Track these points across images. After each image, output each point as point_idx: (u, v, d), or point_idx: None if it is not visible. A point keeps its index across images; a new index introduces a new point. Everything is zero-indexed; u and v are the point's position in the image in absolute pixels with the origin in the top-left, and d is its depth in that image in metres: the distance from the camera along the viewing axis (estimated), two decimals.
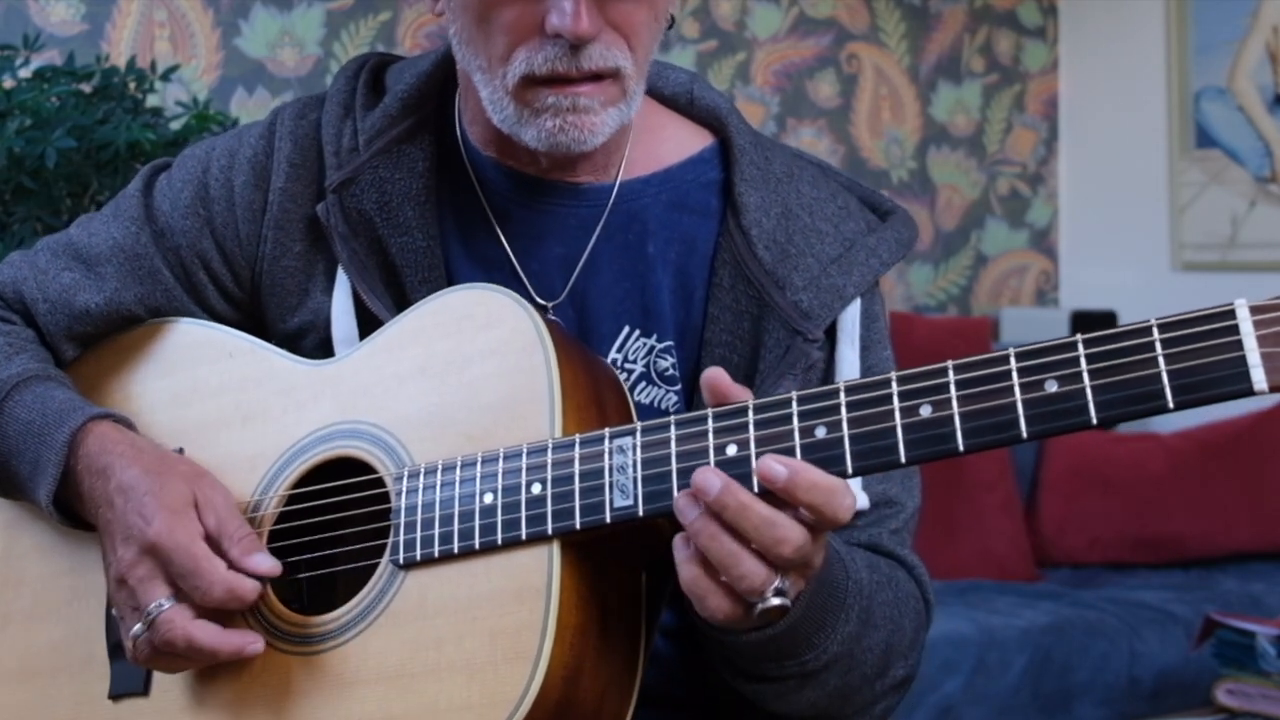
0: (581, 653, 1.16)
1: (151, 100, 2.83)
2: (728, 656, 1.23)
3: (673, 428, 1.15)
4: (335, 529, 1.28)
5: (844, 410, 1.11)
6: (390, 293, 1.36)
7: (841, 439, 1.10)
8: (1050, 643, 3.40)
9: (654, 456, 1.15)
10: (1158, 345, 1.03)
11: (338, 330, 1.36)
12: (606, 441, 1.17)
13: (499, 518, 1.19)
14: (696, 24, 4.32)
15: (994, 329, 4.57)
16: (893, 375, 1.10)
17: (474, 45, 1.31)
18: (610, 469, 1.16)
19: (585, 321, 1.37)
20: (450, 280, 1.37)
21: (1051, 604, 3.58)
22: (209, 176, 1.42)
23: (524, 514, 1.18)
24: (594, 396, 1.23)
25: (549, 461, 1.18)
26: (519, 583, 1.17)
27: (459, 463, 1.22)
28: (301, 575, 1.31)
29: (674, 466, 1.14)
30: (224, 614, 1.25)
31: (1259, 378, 1.00)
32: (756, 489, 1.10)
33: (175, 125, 2.77)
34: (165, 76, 2.80)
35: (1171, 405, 1.02)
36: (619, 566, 1.21)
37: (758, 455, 1.12)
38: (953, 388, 1.08)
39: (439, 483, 1.22)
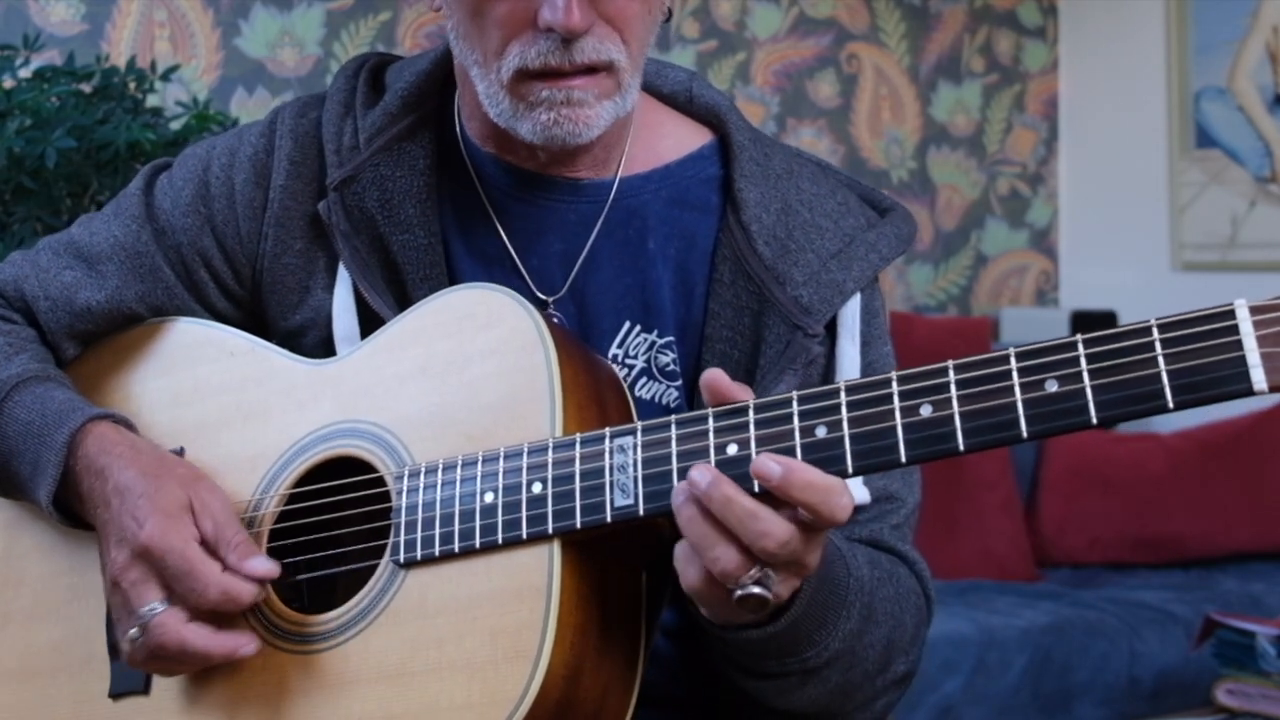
0: (582, 652, 1.16)
1: (151, 100, 2.83)
2: (729, 653, 1.23)
3: (673, 427, 1.15)
4: (336, 528, 1.28)
5: (844, 410, 1.11)
6: (391, 290, 1.36)
7: (842, 438, 1.10)
8: (1050, 643, 3.40)
9: (654, 456, 1.15)
10: (1158, 345, 1.03)
11: (339, 328, 1.36)
12: (607, 441, 1.17)
13: (499, 517, 1.19)
14: (696, 24, 4.32)
15: (994, 329, 4.57)
16: (893, 375, 1.10)
17: (469, 40, 1.32)
18: (611, 468, 1.16)
19: (586, 317, 1.37)
20: (451, 277, 1.37)
21: (1051, 604, 3.58)
22: (210, 175, 1.42)
23: (525, 513, 1.18)
24: (595, 395, 1.23)
25: (550, 461, 1.18)
26: (519, 582, 1.17)
27: (459, 462, 1.22)
28: (302, 575, 1.31)
29: (674, 466, 1.14)
30: (222, 615, 1.25)
31: (1259, 378, 1.00)
32: (758, 488, 1.10)
33: (175, 125, 2.77)
34: (165, 76, 2.80)
35: (1171, 405, 1.02)
36: (619, 566, 1.21)
37: (758, 455, 1.12)
38: (953, 387, 1.08)
39: (439, 482, 1.22)
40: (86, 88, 2.72)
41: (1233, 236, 4.43)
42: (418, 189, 1.38)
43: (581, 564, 1.17)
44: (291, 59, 3.82)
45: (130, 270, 1.42)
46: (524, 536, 1.18)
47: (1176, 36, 4.52)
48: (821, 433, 1.11)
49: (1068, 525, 4.01)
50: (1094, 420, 1.04)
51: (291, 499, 1.30)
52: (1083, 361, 1.05)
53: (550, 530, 1.17)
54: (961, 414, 1.08)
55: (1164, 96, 4.56)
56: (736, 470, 1.11)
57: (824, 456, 1.10)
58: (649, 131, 1.41)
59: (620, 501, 1.15)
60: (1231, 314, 1.02)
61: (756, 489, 1.10)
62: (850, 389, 1.11)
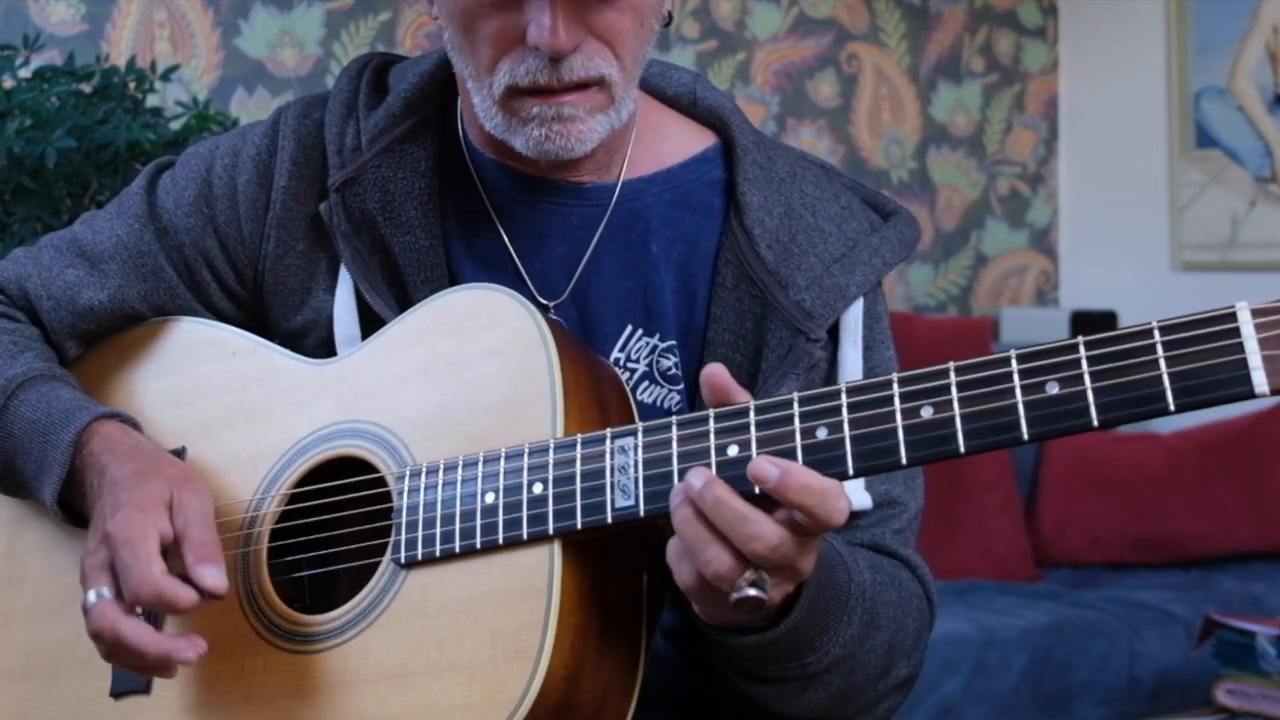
0: (582, 653, 1.16)
1: (151, 100, 2.83)
2: (729, 657, 1.23)
3: (674, 428, 1.15)
4: (337, 528, 1.28)
5: (845, 411, 1.11)
6: (393, 292, 1.36)
7: (843, 440, 1.10)
8: (1050, 643, 3.40)
9: (655, 457, 1.15)
10: (1159, 347, 1.03)
11: (340, 329, 1.36)
12: (608, 442, 1.17)
13: (500, 517, 1.19)
14: (696, 24, 4.32)
15: (994, 329, 4.57)
16: (894, 376, 1.10)
17: (462, 53, 1.32)
18: (612, 469, 1.16)
19: (588, 321, 1.37)
20: (452, 280, 1.37)
21: (1051, 604, 3.58)
22: (212, 175, 1.42)
23: (525, 514, 1.18)
24: (596, 396, 1.23)
25: (550, 461, 1.18)
26: (520, 582, 1.17)
27: (460, 462, 1.22)
28: (303, 574, 1.31)
29: (675, 467, 1.14)
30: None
31: (1260, 380, 1.00)
32: (758, 491, 1.10)
33: (175, 125, 2.77)
34: (165, 76, 2.80)
35: (1173, 408, 1.02)
36: (620, 567, 1.21)
37: (756, 457, 1.12)
38: (954, 389, 1.08)
39: (440, 482, 1.22)
40: (86, 88, 2.72)
41: (1233, 236, 4.43)
42: (419, 191, 1.38)
43: (582, 565, 1.17)
44: (291, 59, 3.82)
45: (133, 270, 1.43)
46: (525, 537, 1.18)
47: (1176, 36, 4.52)
48: (822, 434, 1.11)
49: (1068, 525, 4.01)
50: (1095, 423, 1.04)
51: (293, 499, 1.31)
52: (1084, 363, 1.05)
53: (551, 531, 1.17)
54: (962, 416, 1.08)
55: (1164, 96, 4.56)
56: (737, 471, 1.12)
57: (825, 458, 1.10)
58: (652, 134, 1.41)
59: (621, 502, 1.15)
60: (1233, 316, 1.02)
61: (756, 492, 1.10)
62: (851, 390, 1.11)
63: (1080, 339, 1.06)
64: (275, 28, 3.79)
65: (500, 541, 1.19)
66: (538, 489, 1.18)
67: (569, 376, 1.21)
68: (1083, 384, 1.05)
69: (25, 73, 2.70)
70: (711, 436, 1.14)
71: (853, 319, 1.35)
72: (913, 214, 1.44)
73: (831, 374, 1.34)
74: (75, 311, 1.43)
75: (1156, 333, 1.03)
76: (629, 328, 1.37)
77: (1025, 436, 1.06)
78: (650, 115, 1.42)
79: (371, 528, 1.28)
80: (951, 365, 1.09)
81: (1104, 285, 4.70)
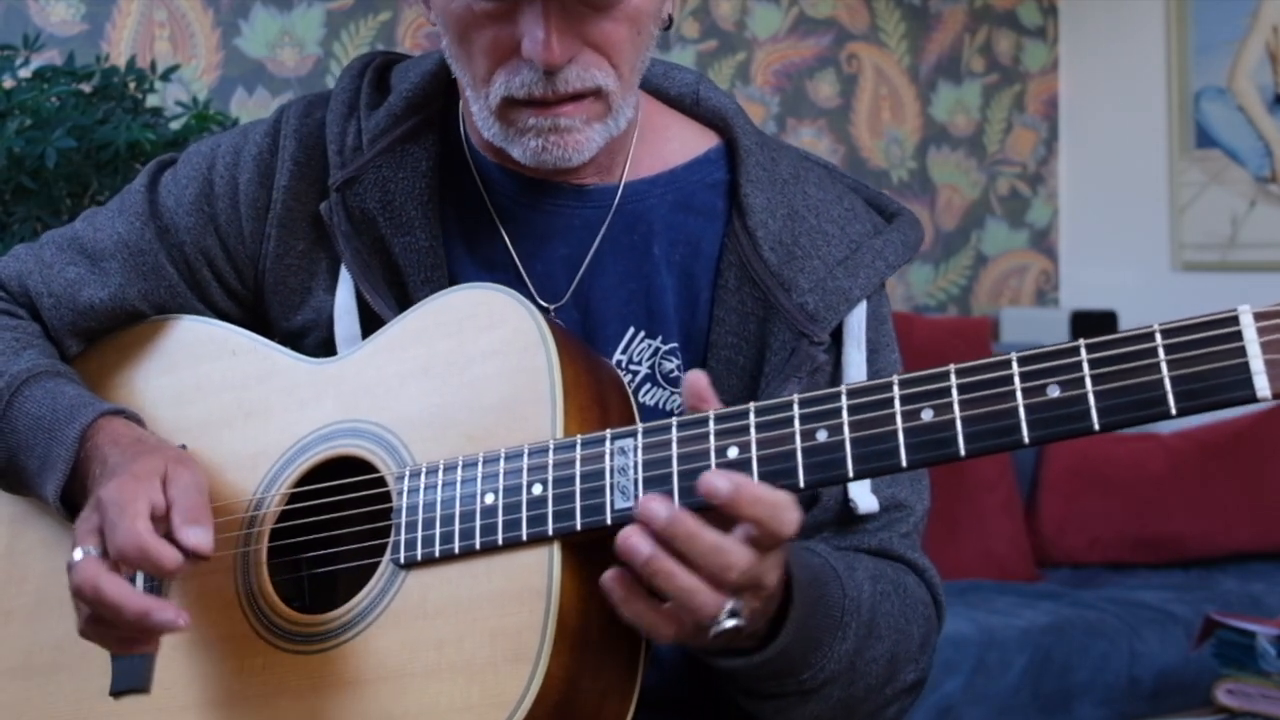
0: (582, 654, 1.16)
1: (151, 100, 2.83)
2: (724, 676, 1.23)
3: (674, 429, 1.15)
4: (336, 528, 1.28)
5: (845, 413, 1.11)
6: (393, 292, 1.36)
7: (843, 442, 1.10)
8: (1050, 643, 3.40)
9: (655, 458, 1.15)
10: (1160, 351, 1.03)
11: (340, 329, 1.36)
12: (608, 443, 1.17)
13: (500, 518, 1.19)
14: (696, 24, 4.32)
15: (994, 329, 4.57)
16: (894, 378, 1.10)
17: (459, 62, 1.31)
18: (611, 470, 1.16)
19: (589, 323, 1.36)
20: (453, 281, 1.36)
21: (1051, 604, 3.58)
22: (214, 174, 1.42)
23: (525, 514, 1.18)
24: (596, 397, 1.23)
25: (550, 462, 1.18)
26: (519, 584, 1.17)
27: (460, 463, 1.22)
28: (303, 573, 1.31)
29: (675, 468, 1.14)
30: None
31: (1262, 384, 1.00)
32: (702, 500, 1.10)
33: (175, 125, 2.77)
34: (165, 76, 2.80)
35: (1174, 411, 1.02)
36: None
37: (759, 458, 1.12)
38: (954, 391, 1.08)
39: (440, 482, 1.22)
40: (86, 88, 2.72)
41: (1233, 236, 4.43)
42: (420, 191, 1.37)
43: (582, 566, 1.17)
44: (291, 59, 3.82)
45: (133, 268, 1.43)
46: (524, 538, 1.17)
47: (1176, 36, 4.52)
48: (822, 436, 1.11)
49: (1068, 525, 4.01)
50: (1096, 426, 1.03)
51: (293, 498, 1.30)
52: (1085, 366, 1.05)
53: (550, 532, 1.17)
54: (963, 419, 1.07)
55: (1164, 96, 4.56)
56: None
57: (825, 460, 1.10)
58: (654, 135, 1.41)
59: (620, 504, 1.15)
60: (1235, 320, 1.01)
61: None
62: (851, 392, 1.11)
63: (1081, 342, 1.05)
64: (275, 28, 3.79)
65: (500, 542, 1.18)
66: (537, 490, 1.18)
67: (569, 376, 1.21)
68: (1084, 387, 1.04)
69: (25, 73, 2.71)
70: (712, 438, 1.14)
71: (856, 322, 1.35)
72: (916, 215, 1.43)
73: (835, 377, 1.34)
74: (76, 309, 1.43)
75: (1158, 336, 1.03)
76: (631, 330, 1.36)
77: (1026, 439, 1.05)
78: (653, 116, 1.41)
79: (371, 528, 1.28)
80: (952, 368, 1.09)
81: (1104, 285, 4.70)
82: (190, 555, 1.20)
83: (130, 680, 1.32)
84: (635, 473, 1.15)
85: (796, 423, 1.12)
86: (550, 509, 1.17)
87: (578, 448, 1.18)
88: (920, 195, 4.65)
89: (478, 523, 1.20)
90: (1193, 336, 1.02)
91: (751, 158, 1.38)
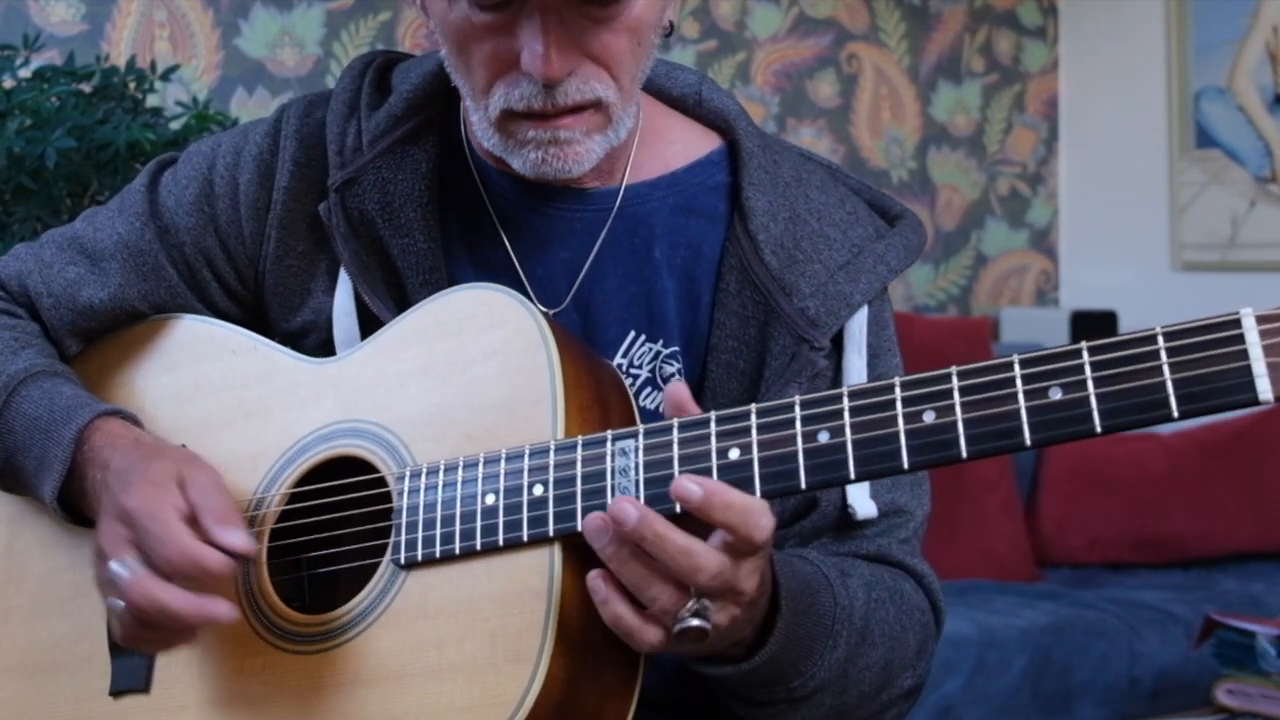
0: (582, 655, 1.16)
1: (151, 100, 2.83)
2: (715, 682, 1.23)
3: (675, 430, 1.15)
4: (337, 528, 1.28)
5: (847, 415, 1.11)
6: (392, 294, 1.36)
7: (844, 444, 1.10)
8: (1050, 643, 3.40)
9: (657, 459, 1.15)
10: (1163, 354, 1.03)
11: (339, 331, 1.36)
12: (609, 444, 1.17)
13: (500, 519, 1.19)
14: (696, 24, 4.31)
15: (994, 329, 4.57)
16: (896, 380, 1.10)
17: (458, 72, 1.31)
18: (613, 471, 1.16)
19: (590, 327, 1.36)
20: (452, 283, 1.36)
21: (1051, 604, 3.58)
22: (214, 174, 1.42)
23: (525, 515, 1.18)
24: (597, 397, 1.23)
25: (551, 463, 1.18)
26: (520, 584, 1.17)
27: (460, 463, 1.22)
28: (303, 574, 1.31)
29: (676, 469, 1.14)
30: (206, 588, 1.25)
31: (1264, 387, 0.99)
32: (679, 509, 1.10)
33: (175, 125, 2.77)
34: (165, 76, 2.80)
35: (1176, 414, 1.01)
36: None
37: (760, 459, 1.12)
38: (956, 394, 1.08)
39: (440, 483, 1.22)
40: (86, 88, 2.72)
41: (1233, 236, 4.43)
42: (419, 193, 1.37)
43: (583, 567, 1.17)
44: (291, 59, 3.82)
45: (133, 269, 1.42)
46: (525, 539, 1.17)
47: (1176, 36, 4.52)
48: (824, 438, 1.11)
49: (1068, 525, 4.01)
50: (1098, 429, 1.03)
51: (293, 498, 1.30)
52: (1087, 369, 1.04)
53: (551, 533, 1.17)
54: (965, 421, 1.07)
55: (1164, 96, 4.56)
56: (738, 475, 1.12)
57: (826, 461, 1.10)
58: (655, 137, 1.40)
59: None
60: (1237, 323, 1.01)
61: (678, 510, 1.10)
62: (853, 394, 1.11)
63: (1084, 344, 1.05)
64: (275, 28, 3.79)
65: (500, 543, 1.18)
66: (538, 490, 1.18)
67: (570, 377, 1.21)
68: (1086, 390, 1.04)
69: (25, 73, 2.70)
70: (713, 439, 1.14)
71: (857, 327, 1.35)
72: (919, 217, 1.43)
73: (836, 383, 1.34)
74: (75, 310, 1.43)
75: (1160, 339, 1.03)
76: (631, 334, 1.36)
77: (1028, 442, 1.05)
78: (655, 118, 1.41)
79: (372, 528, 1.28)
80: (954, 370, 1.08)
81: (1104, 285, 4.70)
82: (233, 556, 1.20)
83: (130, 680, 1.32)
84: (637, 474, 1.15)
85: (798, 424, 1.12)
86: (551, 510, 1.17)
87: (579, 448, 1.18)
88: (920, 195, 4.65)
89: (478, 523, 1.19)
90: (1195, 339, 1.02)
91: (753, 160, 1.38)
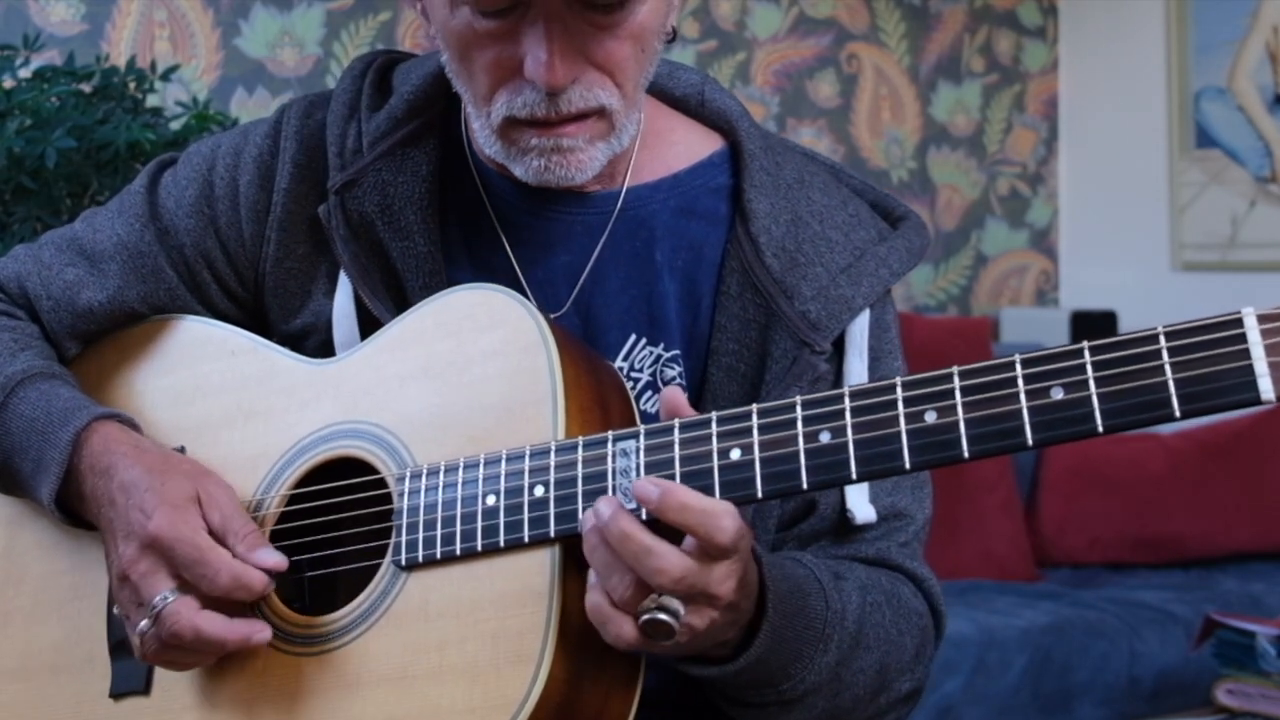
0: (584, 656, 1.16)
1: (151, 100, 2.83)
2: (705, 684, 1.23)
3: (676, 431, 1.15)
4: (337, 529, 1.28)
5: (848, 415, 1.10)
6: (392, 296, 1.36)
7: (846, 444, 1.10)
8: (1050, 643, 3.40)
9: (658, 460, 1.15)
10: (1164, 353, 1.03)
11: (338, 334, 1.36)
12: (610, 444, 1.17)
13: (501, 520, 1.19)
14: (696, 24, 4.31)
15: (994, 329, 4.57)
16: (898, 381, 1.10)
17: (460, 79, 1.30)
18: (614, 472, 1.16)
19: (591, 330, 1.35)
20: (451, 285, 1.36)
21: (1051, 604, 3.58)
22: (214, 175, 1.42)
23: (526, 516, 1.18)
24: (597, 398, 1.22)
25: (552, 464, 1.18)
26: (521, 585, 1.17)
27: (461, 464, 1.22)
28: (303, 575, 1.31)
29: (678, 470, 1.14)
30: (233, 607, 1.25)
31: (1266, 387, 0.99)
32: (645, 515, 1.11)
33: (175, 125, 2.77)
34: (165, 76, 2.79)
35: (1178, 414, 1.01)
36: None
37: (762, 459, 1.12)
38: (958, 394, 1.08)
39: (441, 484, 1.22)
40: (86, 88, 2.72)
41: (1233, 236, 4.43)
42: (419, 196, 1.37)
43: (584, 568, 1.17)
44: (291, 59, 3.82)
45: (133, 270, 1.42)
46: (526, 540, 1.17)
47: (1176, 36, 4.52)
48: (825, 438, 1.11)
49: (1068, 525, 4.01)
50: (1100, 429, 1.03)
51: (293, 499, 1.30)
52: (1089, 369, 1.04)
53: (552, 534, 1.17)
54: (966, 421, 1.07)
55: (1164, 96, 4.56)
56: (740, 475, 1.12)
57: (828, 461, 1.10)
58: (657, 139, 1.39)
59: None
60: (1239, 322, 1.01)
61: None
62: (855, 394, 1.11)
63: (1085, 344, 1.05)
64: (275, 28, 3.79)
65: (501, 544, 1.18)
66: (539, 491, 1.18)
67: (570, 377, 1.21)
68: (1088, 389, 1.04)
69: (25, 73, 2.70)
70: (714, 440, 1.14)
71: (858, 331, 1.34)
72: (922, 219, 1.42)
73: (837, 386, 1.33)
74: (74, 312, 1.43)
75: (1162, 338, 1.03)
76: (633, 337, 1.36)
77: (1030, 441, 1.05)
78: (657, 120, 1.40)
79: (372, 529, 1.28)
80: (955, 370, 1.08)
81: (1104, 285, 4.70)
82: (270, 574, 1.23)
83: (130, 682, 1.32)
84: (638, 474, 1.15)
85: (799, 424, 1.12)
86: (552, 510, 1.17)
87: (580, 449, 1.17)
88: (920, 195, 4.65)
89: (479, 524, 1.19)
90: (1196, 339, 1.02)
91: (755, 162, 1.37)
